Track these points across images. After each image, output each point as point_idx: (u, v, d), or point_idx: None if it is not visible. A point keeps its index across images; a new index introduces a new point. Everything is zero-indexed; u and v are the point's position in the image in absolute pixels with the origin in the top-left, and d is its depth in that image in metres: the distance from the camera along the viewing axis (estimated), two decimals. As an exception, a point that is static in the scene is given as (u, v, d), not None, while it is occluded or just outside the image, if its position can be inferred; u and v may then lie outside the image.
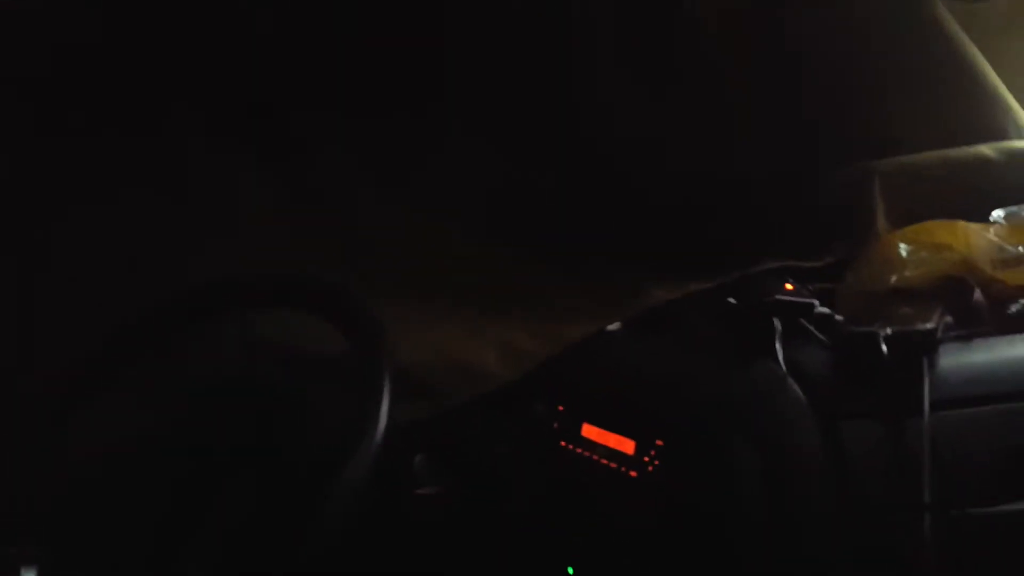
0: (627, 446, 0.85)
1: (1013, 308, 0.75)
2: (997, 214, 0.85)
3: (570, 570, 0.86)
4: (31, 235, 0.92)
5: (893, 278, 0.81)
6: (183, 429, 0.90)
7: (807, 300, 0.79)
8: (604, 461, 0.86)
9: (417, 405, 0.94)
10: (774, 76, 1.01)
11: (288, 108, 1.01)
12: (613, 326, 0.97)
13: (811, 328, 0.78)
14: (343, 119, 1.02)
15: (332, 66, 1.01)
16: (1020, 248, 0.79)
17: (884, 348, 0.70)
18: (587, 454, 0.88)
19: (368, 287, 0.86)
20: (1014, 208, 0.85)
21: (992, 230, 0.82)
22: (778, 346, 0.77)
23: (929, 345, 0.71)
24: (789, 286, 0.83)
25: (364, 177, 1.03)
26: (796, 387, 0.75)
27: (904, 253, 0.82)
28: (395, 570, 0.91)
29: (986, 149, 0.94)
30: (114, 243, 0.93)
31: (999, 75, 1.03)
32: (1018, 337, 0.73)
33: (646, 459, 0.82)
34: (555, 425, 0.92)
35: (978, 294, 0.76)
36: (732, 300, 0.86)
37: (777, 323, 0.79)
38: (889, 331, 0.71)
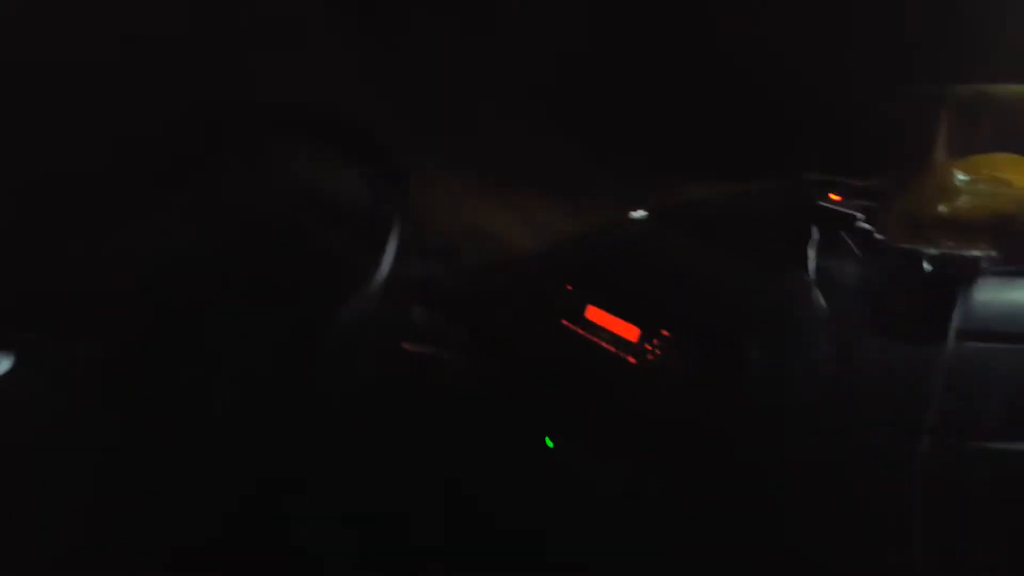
0: (631, 333, 0.83)
1: (1063, 255, 0.71)
2: (1066, 162, 0.80)
3: (549, 442, 0.86)
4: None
5: (943, 207, 0.76)
6: (210, 257, 0.88)
7: (850, 211, 0.75)
8: (604, 344, 0.84)
9: (431, 264, 0.92)
10: None
11: None
12: (638, 214, 0.93)
13: (849, 241, 0.74)
14: None
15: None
16: (1084, 197, 0.75)
17: (926, 267, 0.66)
18: (587, 335, 0.86)
19: (399, 144, 0.83)
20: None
21: (1058, 176, 0.77)
22: (811, 254, 0.74)
23: (969, 273, 0.67)
24: (834, 196, 0.79)
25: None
26: (821, 297, 0.72)
27: (960, 183, 0.77)
28: (373, 422, 0.91)
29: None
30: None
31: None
32: (1062, 283, 0.70)
33: (648, 347, 0.80)
34: (559, 303, 0.90)
35: (1031, 233, 0.72)
36: (771, 206, 0.83)
37: (815, 231, 0.75)
38: (933, 252, 0.67)
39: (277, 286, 0.85)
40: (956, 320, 0.66)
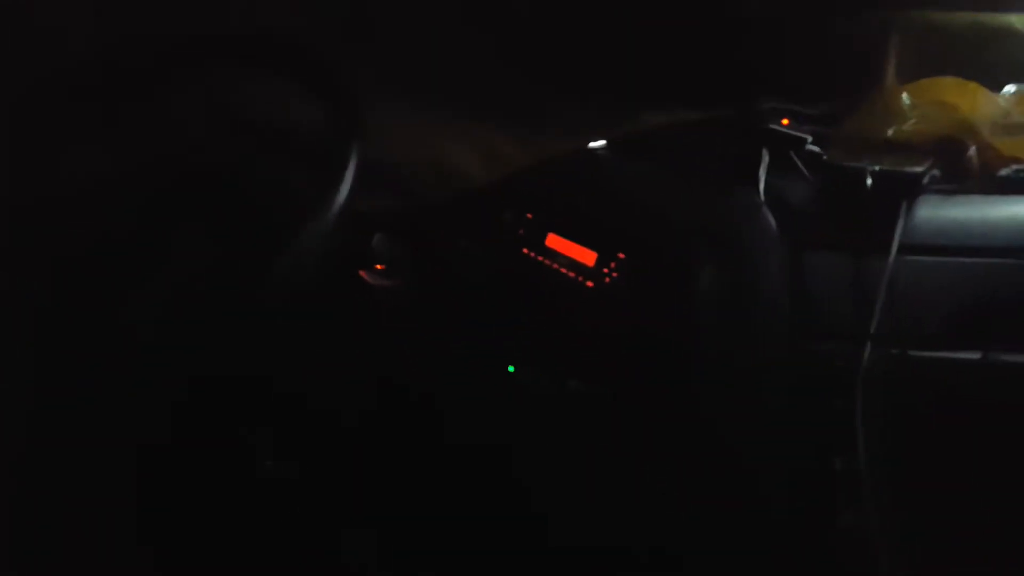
0: (588, 257, 0.84)
1: (1002, 172, 0.74)
2: (1009, 89, 0.82)
3: (511, 368, 0.88)
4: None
5: (890, 130, 0.78)
6: (141, 179, 0.87)
7: (799, 134, 0.77)
8: (563, 270, 0.86)
9: (389, 196, 0.92)
10: None
11: None
12: (597, 144, 0.94)
13: (798, 162, 0.76)
14: None
15: None
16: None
17: (868, 183, 0.68)
18: (547, 262, 0.88)
19: (353, 75, 0.82)
20: (1029, 84, 0.82)
21: (1001, 99, 0.80)
22: (761, 174, 0.75)
23: (912, 189, 0.70)
24: (785, 121, 0.80)
25: None
26: (770, 216, 0.74)
27: (906, 106, 0.79)
28: (334, 347, 0.92)
29: (1018, 21, 0.89)
30: None
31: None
32: (999, 199, 0.72)
33: (605, 271, 0.82)
34: (520, 231, 0.91)
35: (972, 151, 0.74)
36: (724, 132, 0.84)
37: (765, 153, 0.77)
38: (876, 168, 0.69)
39: (231, 217, 0.85)
40: (898, 234, 0.68)
